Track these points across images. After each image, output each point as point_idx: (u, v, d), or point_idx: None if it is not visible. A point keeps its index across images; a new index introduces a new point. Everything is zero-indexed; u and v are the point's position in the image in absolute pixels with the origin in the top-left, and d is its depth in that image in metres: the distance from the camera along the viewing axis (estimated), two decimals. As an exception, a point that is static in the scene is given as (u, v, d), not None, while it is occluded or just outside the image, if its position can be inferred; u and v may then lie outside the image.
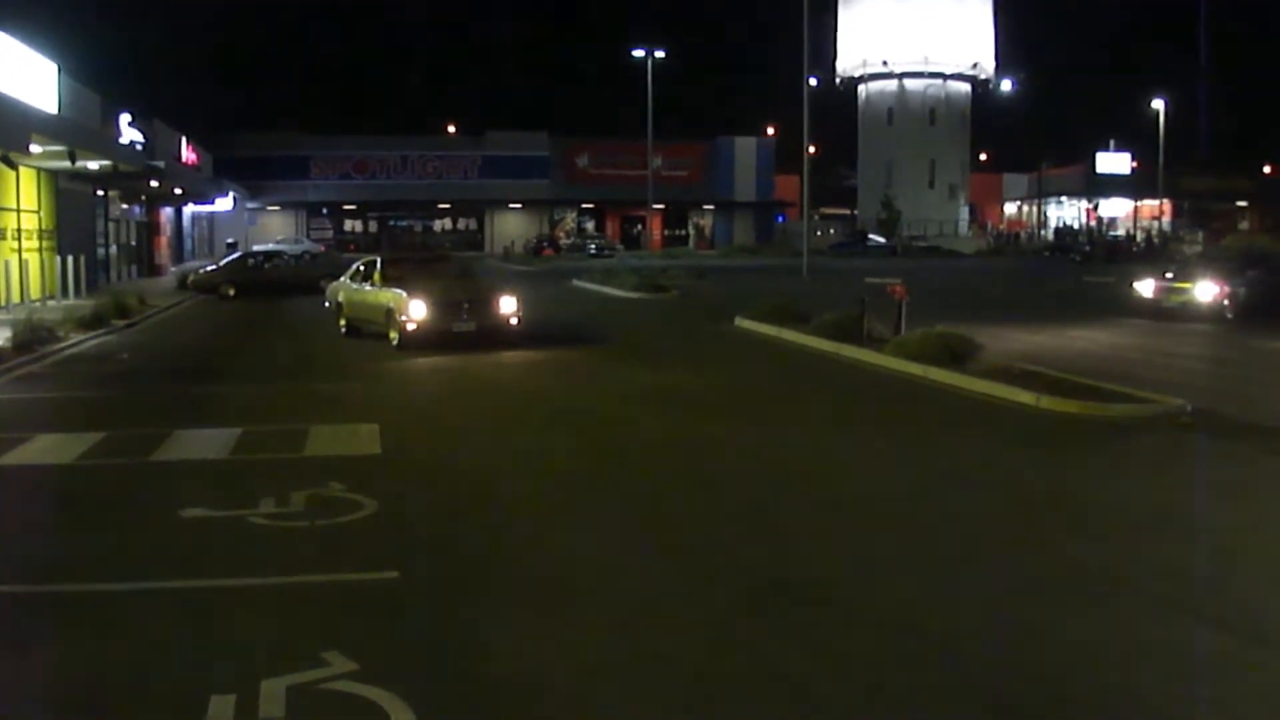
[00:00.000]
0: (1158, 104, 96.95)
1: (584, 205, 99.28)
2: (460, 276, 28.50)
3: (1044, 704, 6.90)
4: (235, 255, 51.13)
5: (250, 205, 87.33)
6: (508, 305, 25.72)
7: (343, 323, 28.63)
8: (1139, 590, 9.07)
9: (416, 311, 24.61)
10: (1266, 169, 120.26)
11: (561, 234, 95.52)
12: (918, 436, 15.98)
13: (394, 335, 25.25)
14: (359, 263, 29.46)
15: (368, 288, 27.36)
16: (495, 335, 25.19)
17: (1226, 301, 31.00)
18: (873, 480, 13.16)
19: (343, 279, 29.65)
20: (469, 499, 12.21)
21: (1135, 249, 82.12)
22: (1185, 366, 22.55)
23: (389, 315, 25.58)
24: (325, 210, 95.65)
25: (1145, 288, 33.28)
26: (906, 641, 7.92)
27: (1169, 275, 33.73)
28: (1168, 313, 31.40)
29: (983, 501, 12.12)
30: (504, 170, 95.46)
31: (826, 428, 16.70)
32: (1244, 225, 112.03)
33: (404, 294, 25.09)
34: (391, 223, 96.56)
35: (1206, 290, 31.44)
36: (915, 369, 20.78)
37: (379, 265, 27.67)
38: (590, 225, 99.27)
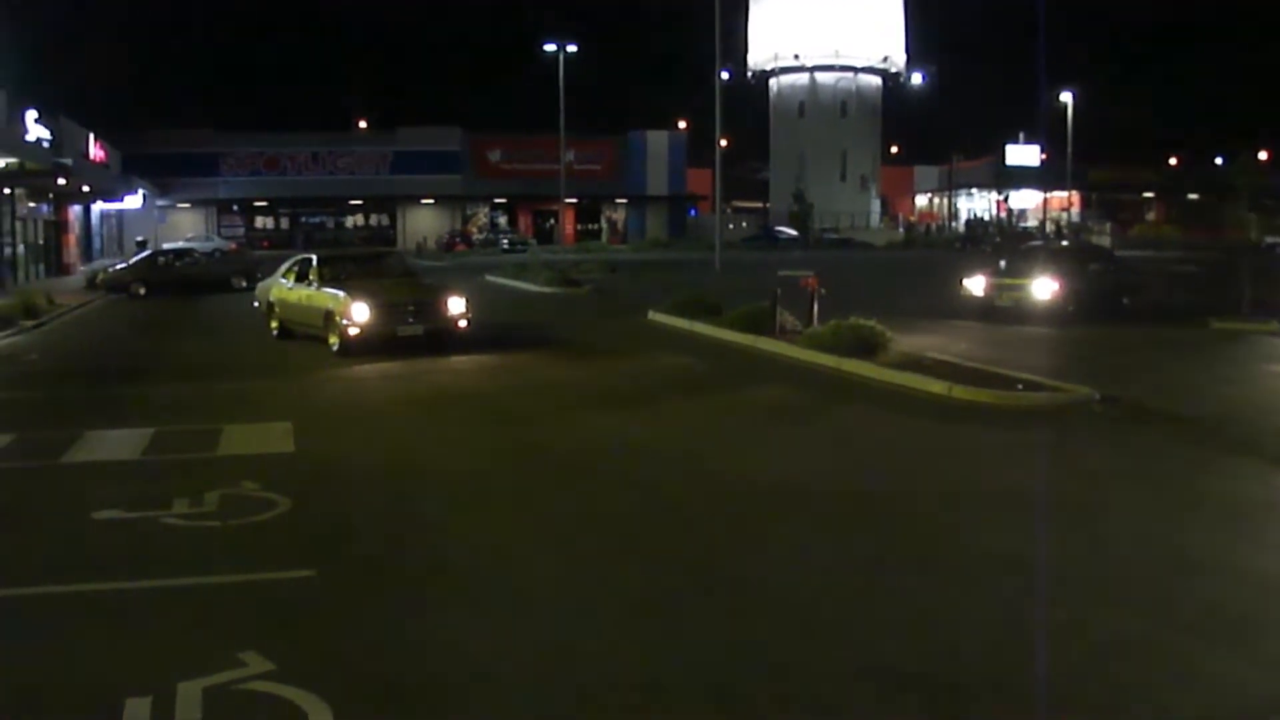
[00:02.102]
0: (1066, 97, 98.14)
1: (496, 200, 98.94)
2: (404, 275, 27.00)
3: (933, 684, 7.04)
4: (145, 253, 50.44)
5: (160, 203, 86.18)
6: (456, 306, 24.25)
7: (275, 325, 27.07)
8: (1052, 576, 9.24)
9: (359, 314, 23.02)
10: (1172, 160, 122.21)
11: (474, 229, 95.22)
12: (831, 427, 16.15)
13: (334, 340, 23.60)
14: (293, 261, 27.50)
15: (304, 288, 25.54)
16: (443, 338, 23.95)
17: (1063, 299, 28.71)
18: (787, 468, 13.25)
19: (275, 278, 27.87)
20: (386, 496, 12.17)
21: (1050, 240, 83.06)
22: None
23: (328, 318, 23.86)
24: (236, 207, 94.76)
25: (976, 285, 30.37)
26: (812, 624, 8.03)
27: (1001, 271, 31.08)
28: (1001, 313, 28.84)
29: (891, 488, 12.28)
30: (416, 166, 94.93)
31: (742, 420, 16.80)
32: (1151, 216, 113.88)
33: (345, 295, 23.45)
34: (304, 219, 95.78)
35: (1044, 287, 28.95)
36: (828, 360, 20.94)
37: (316, 263, 25.86)
38: (503, 220, 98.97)
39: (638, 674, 7.31)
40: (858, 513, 11.33)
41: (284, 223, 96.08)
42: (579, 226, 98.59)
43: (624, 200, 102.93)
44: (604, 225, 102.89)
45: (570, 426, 16.21)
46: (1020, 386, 17.77)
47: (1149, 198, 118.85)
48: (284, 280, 26.94)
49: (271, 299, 27.41)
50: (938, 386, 18.07)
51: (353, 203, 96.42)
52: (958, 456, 14.23)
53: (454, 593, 8.91)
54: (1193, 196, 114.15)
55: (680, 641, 7.86)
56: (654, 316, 29.92)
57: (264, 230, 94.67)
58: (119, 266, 47.58)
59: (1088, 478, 13.09)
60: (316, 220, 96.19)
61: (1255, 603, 8.68)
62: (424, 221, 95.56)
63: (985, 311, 29.13)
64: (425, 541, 10.38)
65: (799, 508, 11.55)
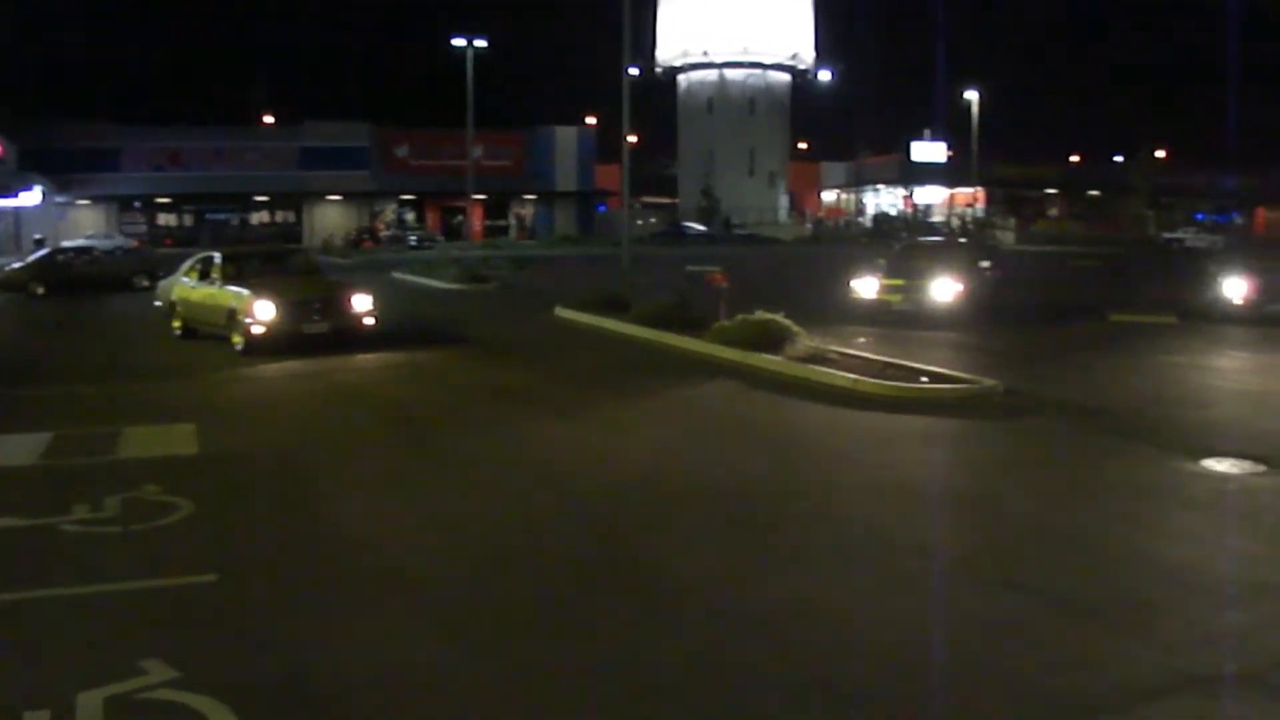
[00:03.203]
0: (971, 95, 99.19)
1: (404, 197, 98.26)
2: (308, 273, 26.68)
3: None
4: (44, 252, 49.49)
5: (59, 199, 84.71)
6: (362, 303, 24.05)
7: (177, 324, 26.53)
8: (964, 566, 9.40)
9: (263, 312, 22.75)
10: (1074, 158, 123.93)
11: (381, 226, 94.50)
12: (737, 421, 16.28)
13: (238, 339, 23.25)
14: (195, 258, 26.99)
15: (206, 286, 25.15)
16: (349, 336, 23.61)
17: (964, 300, 27.64)
18: (693, 462, 13.35)
19: (177, 276, 27.34)
20: (291, 497, 12.11)
21: (953, 235, 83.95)
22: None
23: (231, 317, 23.53)
24: (138, 204, 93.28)
25: (866, 287, 28.51)
26: (727, 620, 8.12)
27: (890, 271, 29.21)
28: (899, 317, 27.35)
29: (796, 480, 12.43)
30: (322, 162, 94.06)
31: (645, 415, 16.87)
32: (1053, 212, 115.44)
33: (248, 293, 23.19)
34: (208, 216, 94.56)
35: (949, 289, 27.60)
36: (735, 355, 21.08)
37: (219, 261, 25.46)
38: (411, 217, 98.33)
39: (546, 670, 7.36)
40: (760, 505, 11.48)
41: (188, 220, 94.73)
42: (487, 223, 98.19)
43: (533, 196, 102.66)
44: (512, 221, 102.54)
45: (477, 425, 16.22)
46: (925, 379, 18.05)
47: (1051, 194, 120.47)
48: (186, 279, 26.52)
49: (174, 298, 26.94)
50: (843, 380, 18.27)
51: (258, 199, 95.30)
52: (862, 447, 14.44)
53: (359, 596, 8.90)
54: (1094, 193, 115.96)
55: (590, 637, 7.92)
56: (561, 312, 29.91)
57: (167, 228, 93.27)
58: (15, 266, 46.63)
59: (990, 466, 13.40)
60: (221, 217, 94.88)
61: (1151, 586, 8.92)
62: (331, 218, 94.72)
63: (879, 315, 27.42)
64: (330, 544, 10.35)
65: (705, 500, 11.67)
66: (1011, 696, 6.98)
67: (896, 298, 27.96)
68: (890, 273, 29.00)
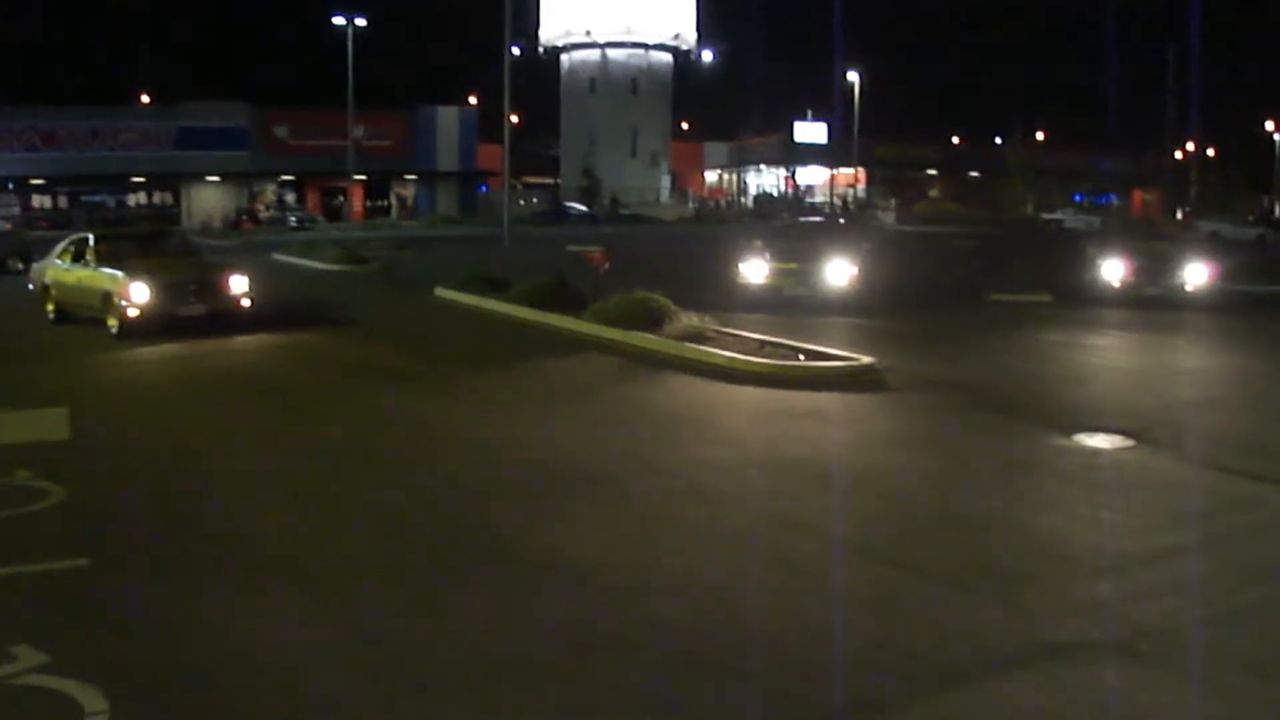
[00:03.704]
0: (853, 76, 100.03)
1: (284, 177, 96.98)
2: (184, 254, 26.27)
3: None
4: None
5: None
6: (239, 285, 23.76)
7: (51, 307, 25.86)
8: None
9: (138, 295, 22.32)
10: (954, 139, 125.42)
11: (261, 207, 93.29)
12: (613, 399, 16.37)
13: (113, 322, 22.81)
14: (69, 240, 26.46)
15: (80, 268, 24.63)
16: (226, 318, 23.24)
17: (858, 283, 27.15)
18: (567, 440, 13.42)
19: (50, 258, 26.69)
20: (164, 481, 11.97)
21: (833, 215, 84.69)
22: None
23: (106, 299, 23.07)
24: (11, 186, 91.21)
25: (754, 271, 27.62)
26: (597, 594, 8.19)
27: (772, 255, 27.98)
28: (791, 301, 26.44)
29: (672, 458, 12.52)
30: (201, 142, 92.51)
31: (524, 394, 16.88)
32: (933, 193, 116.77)
33: (123, 275, 22.76)
34: (83, 198, 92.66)
35: (840, 271, 27.04)
36: (615, 334, 21.14)
37: (93, 242, 24.91)
38: (291, 198, 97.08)
39: (413, 645, 7.38)
40: (632, 479, 11.56)
41: (62, 201, 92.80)
42: (368, 203, 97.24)
43: (414, 176, 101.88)
44: (394, 202, 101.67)
45: (352, 406, 16.17)
46: (802, 357, 18.24)
47: (932, 175, 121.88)
48: (60, 261, 25.93)
49: (47, 280, 26.30)
50: (720, 358, 18.41)
51: (135, 180, 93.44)
52: (736, 423, 14.62)
53: (231, 579, 8.83)
54: (974, 174, 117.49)
55: (463, 611, 7.94)
56: (441, 293, 29.76)
57: (41, 210, 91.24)
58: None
59: (866, 441, 13.63)
60: (97, 199, 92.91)
61: (1021, 558, 9.15)
62: (210, 199, 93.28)
63: (770, 300, 26.44)
64: (203, 528, 10.26)
65: (579, 476, 11.75)
66: (879, 666, 7.11)
67: (788, 282, 27.18)
68: (780, 256, 27.88)
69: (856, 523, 10.22)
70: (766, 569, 8.95)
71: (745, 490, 11.39)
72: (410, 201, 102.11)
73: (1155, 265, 29.47)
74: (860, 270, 27.47)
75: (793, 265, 27.43)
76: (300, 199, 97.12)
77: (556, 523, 10.22)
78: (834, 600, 8.27)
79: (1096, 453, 12.95)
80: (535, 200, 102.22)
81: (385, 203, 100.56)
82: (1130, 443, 13.23)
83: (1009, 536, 9.80)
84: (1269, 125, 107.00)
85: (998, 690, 6.81)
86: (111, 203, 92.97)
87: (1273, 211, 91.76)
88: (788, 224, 37.95)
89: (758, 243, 29.86)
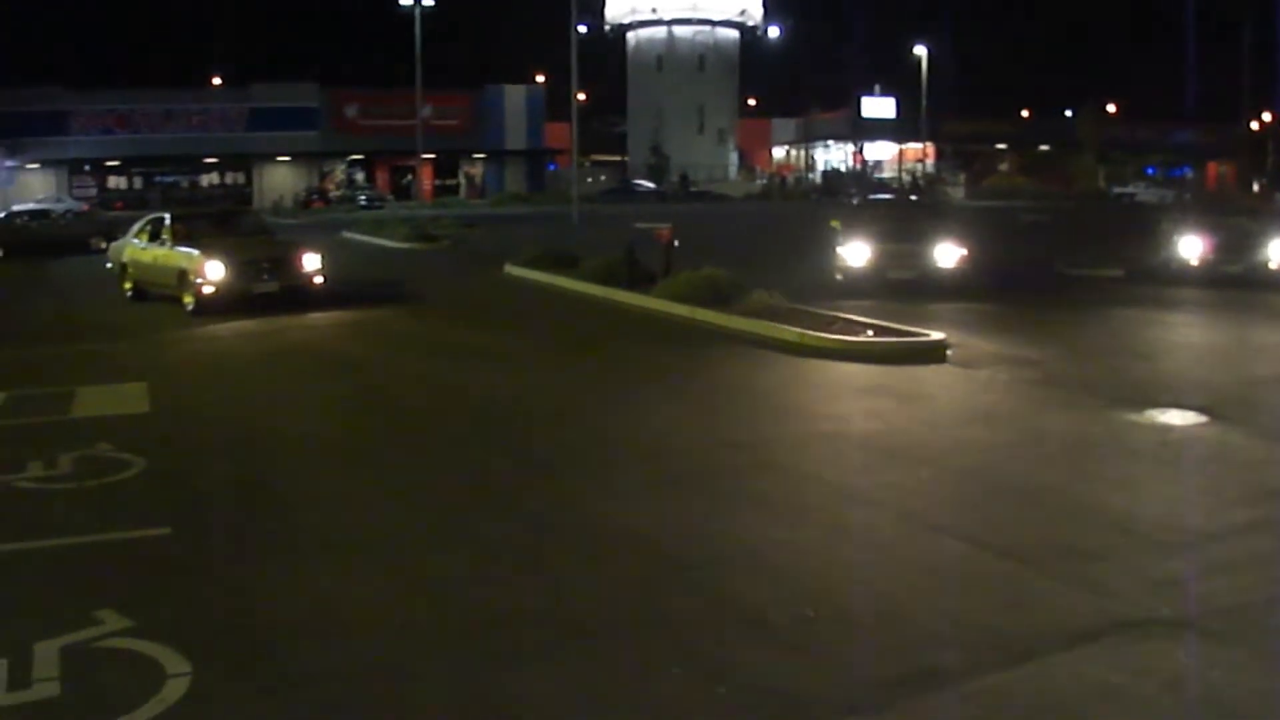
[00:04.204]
0: (920, 50, 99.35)
1: (353, 157, 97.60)
2: (257, 233, 26.75)
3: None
4: (1, 215, 48.81)
5: (7, 164, 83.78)
6: (311, 263, 24.15)
7: (128, 286, 26.43)
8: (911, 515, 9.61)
9: (213, 272, 22.79)
10: (1024, 113, 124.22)
11: (331, 186, 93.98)
12: (684, 375, 16.45)
13: (189, 299, 23.20)
14: (145, 220, 26.99)
15: (157, 247, 25.05)
16: (298, 295, 23.55)
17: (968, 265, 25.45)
18: (640, 415, 13.54)
19: (128, 238, 27.23)
20: (241, 453, 12.18)
21: (903, 191, 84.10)
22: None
23: (182, 277, 23.47)
24: (88, 167, 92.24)
25: (856, 254, 25.17)
26: (670, 563, 8.31)
27: (870, 236, 25.52)
28: (899, 286, 24.38)
29: (743, 435, 12.57)
30: (271, 122, 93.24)
31: (593, 371, 17.00)
32: (1003, 167, 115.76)
33: (198, 254, 23.20)
34: (157, 179, 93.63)
35: (948, 253, 25.07)
36: (683, 310, 21.22)
37: (169, 222, 25.35)
38: (360, 177, 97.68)
39: (495, 617, 7.50)
40: (710, 459, 11.63)
41: (137, 182, 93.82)
42: (437, 182, 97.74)
43: (482, 155, 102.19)
44: (462, 180, 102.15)
45: (428, 382, 16.35)
46: (870, 333, 18.21)
47: (1002, 149, 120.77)
48: (137, 240, 26.41)
49: (125, 260, 26.77)
50: (789, 334, 18.43)
51: (208, 161, 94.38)
52: (806, 398, 14.73)
53: (307, 548, 9.00)
54: (1044, 148, 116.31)
55: (533, 581, 8.06)
56: (511, 270, 29.94)
57: (117, 190, 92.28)
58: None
59: (935, 416, 13.65)
60: (170, 180, 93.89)
61: (1093, 534, 9.12)
62: (281, 179, 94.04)
63: (874, 284, 24.42)
64: (280, 497, 10.46)
65: (652, 452, 11.84)
66: (949, 639, 7.14)
67: (894, 264, 24.99)
68: (882, 237, 25.44)
69: (926, 497, 10.25)
70: (839, 541, 9.03)
71: (814, 463, 11.46)
72: (478, 180, 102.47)
73: (1237, 241, 27.61)
74: (969, 252, 25.64)
75: (898, 247, 25.24)
76: (369, 178, 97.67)
77: (626, 494, 10.36)
78: (903, 573, 8.30)
79: (1167, 429, 12.84)
80: (602, 178, 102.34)
81: (454, 181, 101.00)
82: (1203, 419, 13.13)
83: (1079, 512, 9.76)
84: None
85: (1066, 664, 6.79)
86: (185, 183, 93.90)
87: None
88: (867, 202, 36.11)
89: (846, 223, 27.67)
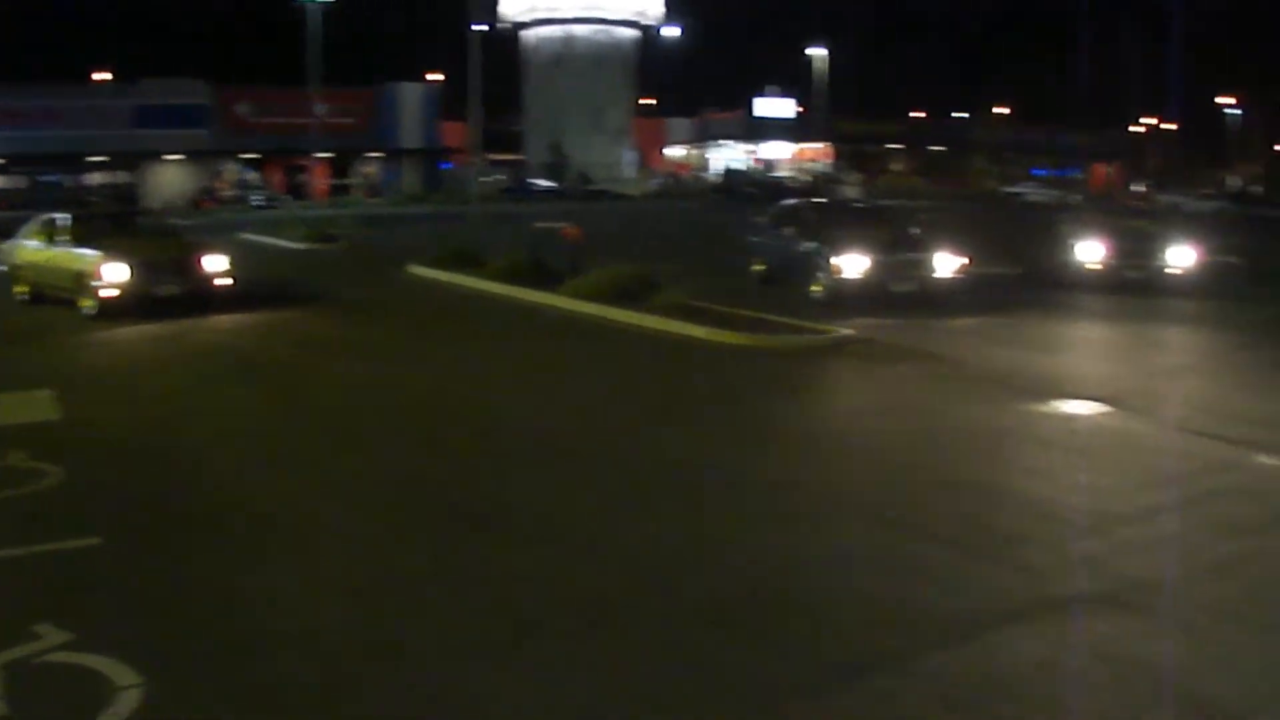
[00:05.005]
0: (816, 51, 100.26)
1: (246, 156, 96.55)
2: (160, 233, 26.05)
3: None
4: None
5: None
6: (217, 264, 23.41)
7: (22, 289, 25.31)
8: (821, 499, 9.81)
9: (114, 275, 21.96)
10: (918, 114, 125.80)
11: (224, 186, 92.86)
12: (592, 371, 16.63)
13: (88, 303, 22.33)
14: (40, 220, 25.86)
15: (53, 249, 24.02)
16: (204, 298, 22.90)
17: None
18: (545, 410, 13.74)
19: (18, 239, 26.16)
20: (159, 458, 12.09)
21: (797, 190, 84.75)
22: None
23: (80, 280, 22.57)
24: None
25: (854, 265, 21.98)
26: (593, 556, 8.43)
27: (859, 246, 22.45)
28: (902, 300, 22.11)
29: (638, 426, 12.83)
30: (160, 120, 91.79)
31: (507, 367, 17.09)
32: (898, 166, 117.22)
33: (98, 255, 22.37)
34: (40, 178, 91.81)
35: (948, 262, 22.91)
36: (591, 309, 21.35)
37: (65, 223, 24.37)
38: (253, 176, 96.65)
39: (428, 610, 7.60)
40: (612, 449, 11.91)
41: (20, 182, 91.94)
42: (332, 182, 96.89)
43: (378, 154, 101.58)
44: (358, 180, 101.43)
45: (338, 381, 16.34)
46: (782, 330, 18.48)
47: (896, 149, 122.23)
48: (31, 241, 25.42)
49: (18, 261, 25.77)
50: (701, 331, 18.64)
51: (94, 159, 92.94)
52: (715, 393, 14.94)
53: (241, 548, 9.03)
54: (937, 149, 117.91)
55: (454, 570, 8.16)
56: (415, 270, 29.88)
57: (2, 190, 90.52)
58: None
59: (851, 409, 14.09)
60: (54, 179, 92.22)
61: (1011, 518, 9.54)
62: (170, 178, 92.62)
63: (873, 299, 21.86)
64: (208, 501, 10.41)
65: (553, 446, 12.08)
66: (890, 621, 7.40)
67: (894, 277, 22.46)
68: (874, 247, 22.63)
69: (852, 487, 10.55)
70: (770, 530, 9.21)
71: (733, 457, 11.66)
72: (374, 179, 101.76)
73: (1137, 245, 26.99)
74: (971, 259, 23.88)
75: (896, 257, 22.80)
76: (263, 178, 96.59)
77: (533, 487, 10.55)
78: (836, 560, 8.57)
79: (1073, 418, 13.36)
80: (499, 177, 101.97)
81: (349, 181, 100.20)
82: (1108, 409, 13.59)
83: (997, 498, 10.15)
84: (1226, 100, 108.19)
85: (1001, 642, 7.11)
86: (70, 183, 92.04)
87: (1245, 187, 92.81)
88: (809, 204, 30.73)
89: (763, 220, 27.00)
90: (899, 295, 22.05)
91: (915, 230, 26.02)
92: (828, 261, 22.35)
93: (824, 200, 31.70)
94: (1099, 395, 14.22)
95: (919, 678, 6.61)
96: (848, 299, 21.79)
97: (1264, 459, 11.55)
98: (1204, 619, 7.50)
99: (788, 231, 25.37)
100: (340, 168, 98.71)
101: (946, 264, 22.81)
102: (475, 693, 6.49)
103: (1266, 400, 14.49)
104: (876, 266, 22.14)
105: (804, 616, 7.54)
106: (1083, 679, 6.68)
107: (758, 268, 26.16)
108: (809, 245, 23.63)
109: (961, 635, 7.18)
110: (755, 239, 27.22)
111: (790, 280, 24.14)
